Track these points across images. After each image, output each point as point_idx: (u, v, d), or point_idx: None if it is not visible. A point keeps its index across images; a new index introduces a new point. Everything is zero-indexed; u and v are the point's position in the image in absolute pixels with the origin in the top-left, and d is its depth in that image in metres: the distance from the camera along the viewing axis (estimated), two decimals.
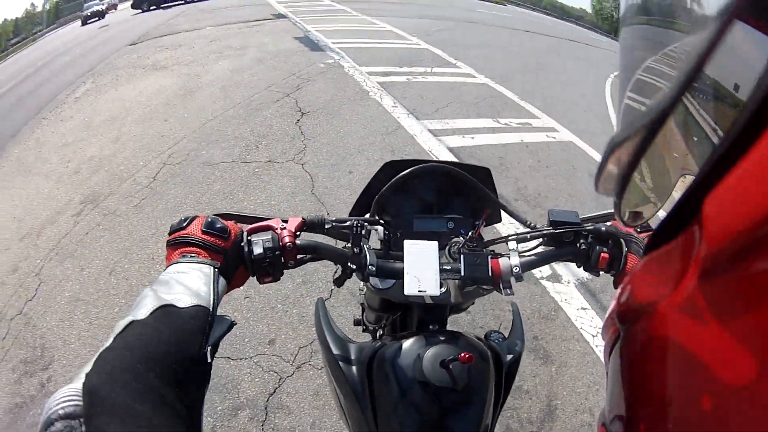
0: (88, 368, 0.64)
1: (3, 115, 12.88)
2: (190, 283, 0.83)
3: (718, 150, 0.37)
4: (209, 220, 0.98)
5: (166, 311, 0.76)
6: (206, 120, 7.05)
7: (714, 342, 0.37)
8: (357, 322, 2.13)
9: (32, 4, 71.36)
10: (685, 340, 0.41)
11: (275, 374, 3.17)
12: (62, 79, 13.99)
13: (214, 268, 0.89)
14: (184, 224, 0.96)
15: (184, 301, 0.79)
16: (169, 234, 0.97)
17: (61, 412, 0.58)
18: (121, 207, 5.19)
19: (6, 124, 11.66)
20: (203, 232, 0.94)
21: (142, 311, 0.75)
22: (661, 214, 0.52)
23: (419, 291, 1.10)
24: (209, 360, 0.76)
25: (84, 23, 35.70)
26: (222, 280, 0.91)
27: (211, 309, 0.81)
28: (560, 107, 9.03)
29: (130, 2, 33.95)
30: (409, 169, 1.24)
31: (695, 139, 0.48)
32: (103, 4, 38.87)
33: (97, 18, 35.49)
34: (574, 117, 8.58)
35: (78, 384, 0.61)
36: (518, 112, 7.90)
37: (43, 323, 4.06)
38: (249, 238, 1.03)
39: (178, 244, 0.94)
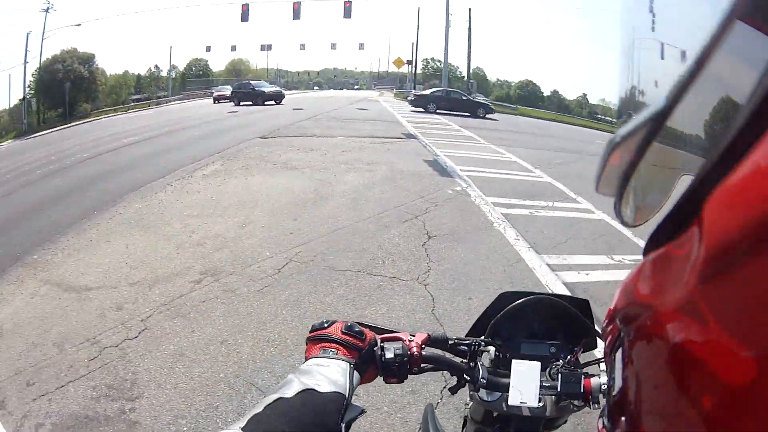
0: (241, 424, 0.88)
1: (124, 167, 15.14)
2: (329, 374, 1.06)
3: (718, 150, 0.39)
4: (349, 324, 1.24)
5: (309, 393, 0.99)
6: (336, 228, 8.13)
7: (714, 342, 0.39)
8: None
9: (156, 67, 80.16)
10: (685, 340, 0.44)
11: None
12: (190, 152, 16.27)
13: (350, 364, 1.14)
14: (326, 325, 1.23)
15: (324, 387, 1.02)
16: (311, 331, 1.23)
17: None
18: (242, 288, 6.13)
19: (127, 175, 13.71)
20: (343, 333, 1.20)
21: (289, 391, 0.99)
22: (661, 214, 0.55)
23: (521, 402, 1.36)
24: None
25: (216, 102, 42.43)
26: (356, 374, 1.14)
27: (347, 395, 1.04)
28: None
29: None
30: (520, 300, 1.54)
31: (695, 139, 0.53)
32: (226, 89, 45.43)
33: (227, 101, 41.17)
34: None
35: (235, 430, 0.86)
36: (632, 249, 8.11)
37: (140, 363, 4.80)
38: (382, 344, 1.30)
39: (319, 340, 1.20)
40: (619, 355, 0.65)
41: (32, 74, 59.91)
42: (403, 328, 1.39)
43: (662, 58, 0.57)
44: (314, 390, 1.00)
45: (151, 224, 9.04)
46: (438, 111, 33.06)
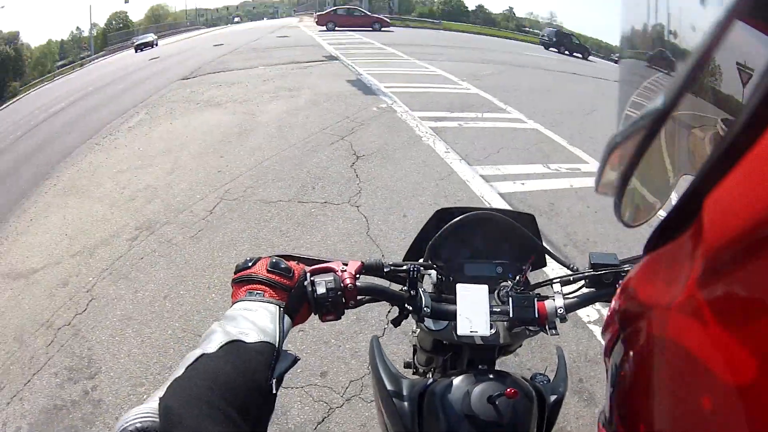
0: (161, 393, 0.76)
1: (54, 136, 14.20)
2: (256, 320, 0.95)
3: (718, 150, 0.38)
4: (274, 260, 1.12)
5: (234, 346, 0.88)
6: (263, 159, 7.70)
7: (714, 342, 0.38)
8: (407, 365, 2.33)
9: (78, 28, 76.24)
10: (685, 340, 0.43)
11: (325, 404, 3.50)
12: (115, 107, 15.19)
13: (280, 307, 1.03)
14: (250, 264, 1.11)
15: (251, 336, 0.91)
16: (235, 273, 1.12)
17: (138, 425, 0.69)
18: (177, 237, 5.74)
19: (57, 144, 12.86)
20: (268, 272, 1.08)
21: (212, 345, 0.87)
22: (661, 214, 0.54)
23: (471, 332, 1.24)
24: (274, 391, 0.88)
25: (137, 51, 40.85)
26: (287, 318, 1.04)
27: (277, 345, 0.94)
28: None
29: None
30: (459, 217, 1.41)
31: (695, 139, 0.52)
32: (149, 37, 45.13)
33: (149, 47, 40.80)
34: None
35: (153, 404, 0.73)
36: (567, 157, 8.20)
37: (93, 336, 4.51)
38: (312, 278, 1.17)
39: (244, 282, 1.09)
40: (619, 354, 0.63)
41: None
42: (340, 254, 1.17)
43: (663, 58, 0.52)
44: (240, 341, 0.89)
45: (84, 189, 8.40)
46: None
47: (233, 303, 1.05)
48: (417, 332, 1.74)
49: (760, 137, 0.34)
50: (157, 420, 0.70)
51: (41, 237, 7.14)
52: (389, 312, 4.04)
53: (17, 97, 50.31)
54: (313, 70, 16.26)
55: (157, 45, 40.99)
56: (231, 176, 7.14)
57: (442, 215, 1.49)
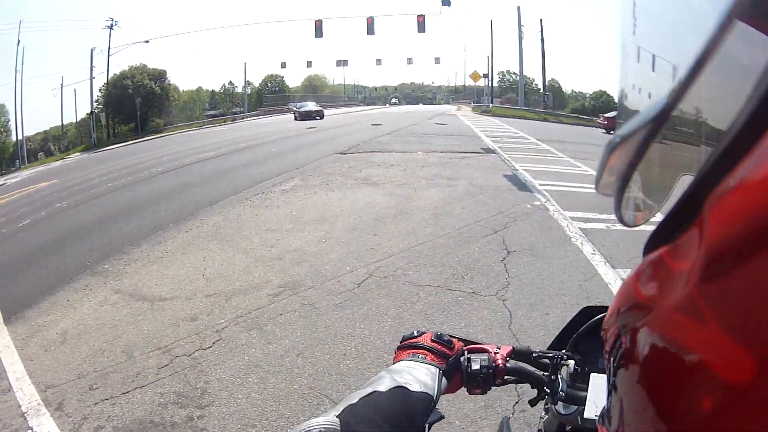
0: (336, 412, 0.99)
1: (202, 181, 16.22)
2: (419, 376, 1.18)
3: (718, 150, 0.41)
4: (439, 333, 1.37)
5: (401, 390, 1.11)
6: (416, 243, 8.34)
7: (714, 342, 0.40)
8: None
9: (231, 83, 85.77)
10: (686, 340, 0.45)
11: None
12: (268, 167, 17.21)
13: (439, 369, 1.26)
14: (416, 334, 1.37)
15: (414, 387, 1.13)
16: (402, 341, 1.38)
17: (323, 429, 0.92)
18: (321, 302, 6.39)
19: (204, 190, 14.62)
20: (432, 341, 1.33)
21: (382, 386, 1.10)
22: (661, 214, 0.57)
23: (596, 415, 1.36)
24: None
25: (297, 118, 45.43)
26: (444, 380, 1.25)
27: (434, 397, 1.16)
28: None
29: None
30: (600, 315, 1.57)
31: (695, 139, 0.54)
32: (315, 106, 48.47)
33: (316, 117, 44.46)
34: None
35: (330, 419, 0.95)
36: None
37: (212, 372, 5.10)
38: (469, 356, 1.42)
39: (409, 347, 1.34)
40: (619, 354, 0.67)
41: (99, 89, 64.70)
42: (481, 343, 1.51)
43: (638, 61, 0.62)
44: (405, 388, 1.12)
45: (230, 238, 9.57)
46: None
47: (395, 362, 1.30)
48: (545, 417, 1.88)
49: (760, 137, 0.36)
50: (338, 429, 0.93)
51: (176, 270, 8.27)
52: (518, 401, 4.16)
53: (160, 134, 55.27)
54: (471, 161, 17.25)
55: (323, 117, 44.25)
56: (383, 255, 7.80)
57: (588, 311, 1.67)
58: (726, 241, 0.40)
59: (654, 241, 0.56)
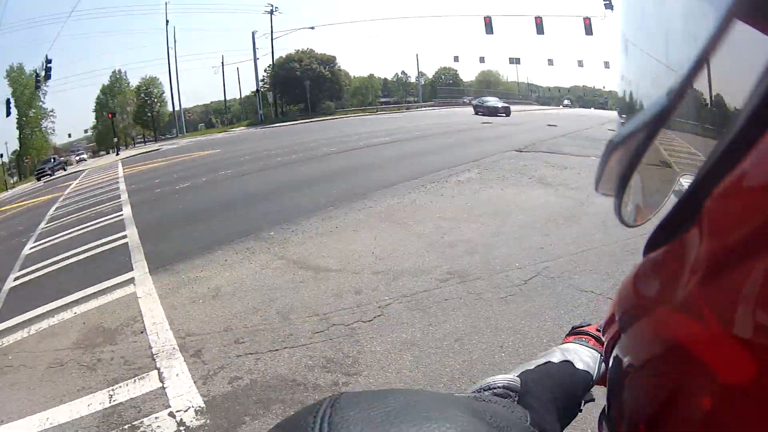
0: (516, 373, 1.10)
1: (375, 165, 17.04)
2: (583, 356, 1.30)
3: (718, 150, 0.41)
4: (603, 324, 1.57)
5: (569, 365, 1.23)
6: (585, 248, 8.13)
7: (714, 342, 0.40)
8: None
9: (403, 72, 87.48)
10: (686, 340, 0.45)
11: None
12: (443, 158, 17.55)
13: (600, 354, 1.34)
14: (584, 325, 1.49)
15: (579, 365, 1.25)
16: (571, 329, 1.51)
17: (503, 383, 1.02)
18: (487, 293, 6.46)
19: (377, 173, 15.35)
20: (597, 330, 1.43)
21: (554, 358, 1.24)
22: (662, 214, 0.56)
23: None
24: (581, 409, 1.21)
25: (476, 113, 45.41)
26: (602, 366, 1.32)
27: (594, 377, 1.25)
28: None
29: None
30: None
31: (695, 139, 0.54)
32: (500, 102, 47.76)
33: (502, 115, 43.86)
34: None
35: (511, 377, 1.05)
36: None
37: (367, 345, 5.33)
38: None
39: (578, 333, 1.47)
40: (619, 354, 0.66)
41: (264, 69, 69.83)
42: None
43: (638, 61, 0.63)
44: (572, 364, 1.24)
45: (402, 221, 9.91)
46: None
47: (563, 343, 1.42)
48: None
49: (760, 137, 0.36)
50: (518, 385, 1.02)
51: (345, 245, 8.75)
52: None
53: (331, 116, 57.60)
54: None
55: (509, 115, 44.00)
56: (552, 255, 7.71)
57: None
58: (726, 241, 0.40)
59: (654, 241, 0.57)
